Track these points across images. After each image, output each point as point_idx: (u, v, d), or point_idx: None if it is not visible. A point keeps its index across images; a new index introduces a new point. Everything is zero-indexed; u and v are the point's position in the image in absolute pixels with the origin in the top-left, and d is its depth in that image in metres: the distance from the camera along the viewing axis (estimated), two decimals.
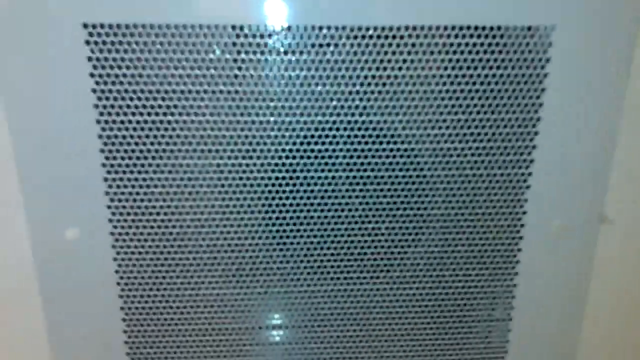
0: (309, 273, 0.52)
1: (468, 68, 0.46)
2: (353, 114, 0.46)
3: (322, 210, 0.49)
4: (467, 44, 0.45)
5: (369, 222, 0.50)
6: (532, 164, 0.48)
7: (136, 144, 0.46)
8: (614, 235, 0.51)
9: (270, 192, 0.48)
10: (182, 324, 0.52)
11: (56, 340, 0.51)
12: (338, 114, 0.46)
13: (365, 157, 0.48)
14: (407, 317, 0.54)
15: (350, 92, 0.46)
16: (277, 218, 0.49)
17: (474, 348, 0.55)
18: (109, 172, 0.46)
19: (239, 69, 0.45)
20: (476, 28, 0.44)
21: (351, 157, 0.48)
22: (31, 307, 0.49)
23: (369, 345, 0.55)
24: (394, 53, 0.45)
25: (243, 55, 0.44)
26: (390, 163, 0.48)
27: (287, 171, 0.48)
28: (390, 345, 0.55)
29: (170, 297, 0.51)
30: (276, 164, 0.48)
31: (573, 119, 0.47)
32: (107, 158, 0.46)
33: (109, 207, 0.47)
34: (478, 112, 0.47)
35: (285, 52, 0.44)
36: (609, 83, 0.46)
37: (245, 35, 0.43)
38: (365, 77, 0.46)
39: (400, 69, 0.46)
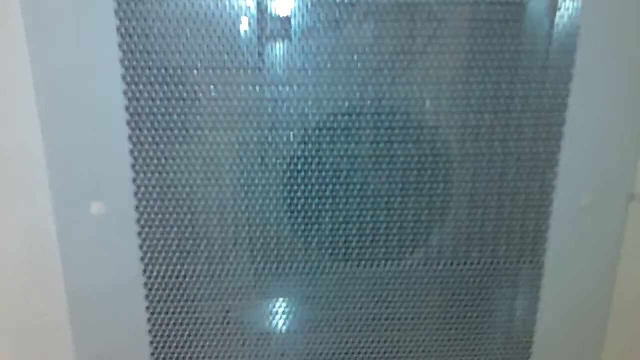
0: (332, 254, 0.51)
1: (495, 42, 0.45)
2: (378, 91, 0.46)
3: (346, 189, 0.49)
4: (493, 17, 0.44)
5: (395, 200, 0.50)
6: (561, 138, 0.48)
7: (162, 116, 0.45)
8: None
9: (294, 169, 0.48)
10: (205, 304, 0.51)
11: (78, 320, 0.50)
12: (363, 91, 0.46)
13: (391, 134, 0.47)
14: (431, 300, 0.53)
15: (376, 69, 0.45)
16: (301, 197, 0.49)
17: (500, 331, 0.54)
18: (134, 145, 0.46)
19: (263, 45, 0.44)
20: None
21: (376, 134, 0.47)
22: (53, 285, 0.49)
23: (392, 330, 0.54)
24: (419, 28, 0.44)
25: (268, 32, 0.44)
26: (417, 140, 0.48)
27: (311, 148, 0.47)
28: (413, 331, 0.54)
29: (194, 277, 0.50)
30: (300, 141, 0.47)
31: (603, 93, 0.46)
32: (133, 130, 0.45)
33: (134, 180, 0.47)
34: (506, 86, 0.46)
35: (310, 30, 0.44)
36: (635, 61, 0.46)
37: (270, 12, 0.43)
38: (391, 53, 0.45)
39: (426, 44, 0.45)
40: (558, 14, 0.45)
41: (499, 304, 0.53)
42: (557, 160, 0.48)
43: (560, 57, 0.46)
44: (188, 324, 0.52)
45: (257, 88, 0.45)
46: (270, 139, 0.47)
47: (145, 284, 0.50)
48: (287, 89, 0.45)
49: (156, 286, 0.50)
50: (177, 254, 0.50)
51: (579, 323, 0.53)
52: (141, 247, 0.49)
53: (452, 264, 0.52)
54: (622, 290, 0.51)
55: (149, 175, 0.47)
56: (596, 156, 0.48)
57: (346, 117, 0.46)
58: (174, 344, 0.52)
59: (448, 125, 0.48)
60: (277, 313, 0.53)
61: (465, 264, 0.52)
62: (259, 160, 0.47)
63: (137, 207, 0.47)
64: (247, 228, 0.49)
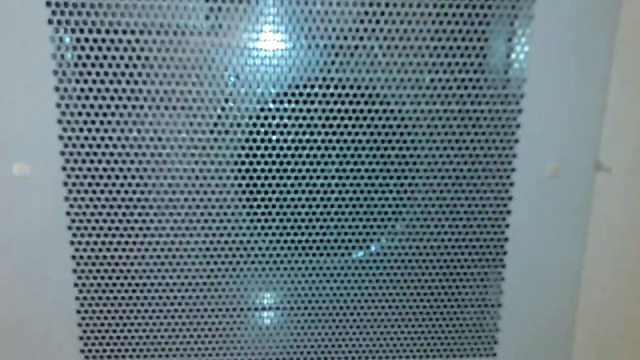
0: (289, 247, 0.47)
1: None
2: (329, 70, 0.43)
3: (303, 176, 0.45)
4: None
5: (355, 182, 0.46)
6: (521, 99, 0.45)
7: (92, 65, 0.42)
8: (611, 185, 0.47)
9: (246, 149, 0.45)
10: (138, 277, 0.47)
11: None
12: (313, 70, 0.43)
13: (346, 111, 0.44)
14: (396, 287, 0.49)
15: (325, 46, 0.43)
16: (254, 184, 0.45)
17: (466, 314, 0.50)
18: (62, 98, 0.42)
19: (207, 17, 0.42)
20: None
21: (331, 114, 0.44)
22: None
23: (356, 323, 0.50)
24: (370, 4, 0.42)
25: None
26: (373, 117, 0.45)
27: (263, 127, 0.44)
28: (378, 321, 0.50)
29: (126, 248, 0.46)
30: (257, 114, 0.44)
31: (564, 51, 0.44)
32: (60, 81, 0.42)
33: (61, 137, 0.43)
34: (463, 40, 0.44)
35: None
36: (601, 14, 0.44)
37: None
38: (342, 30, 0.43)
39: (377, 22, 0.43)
40: None
41: (460, 281, 0.49)
42: (517, 123, 0.45)
43: (519, 9, 0.44)
44: (120, 303, 0.47)
45: (206, 52, 0.42)
46: (216, 115, 0.44)
47: (73, 257, 0.45)
48: (243, 56, 0.42)
49: (85, 259, 0.46)
50: (109, 222, 0.45)
51: (546, 300, 0.49)
52: (68, 213, 0.44)
53: (415, 249, 0.48)
54: (592, 266, 0.48)
55: (77, 132, 0.43)
56: (560, 119, 0.45)
57: (297, 100, 0.44)
58: (102, 322, 0.47)
59: (401, 85, 0.45)
60: (214, 298, 0.49)
61: (427, 247, 0.48)
62: (208, 123, 0.44)
63: (63, 168, 0.43)
64: (192, 197, 0.45)
